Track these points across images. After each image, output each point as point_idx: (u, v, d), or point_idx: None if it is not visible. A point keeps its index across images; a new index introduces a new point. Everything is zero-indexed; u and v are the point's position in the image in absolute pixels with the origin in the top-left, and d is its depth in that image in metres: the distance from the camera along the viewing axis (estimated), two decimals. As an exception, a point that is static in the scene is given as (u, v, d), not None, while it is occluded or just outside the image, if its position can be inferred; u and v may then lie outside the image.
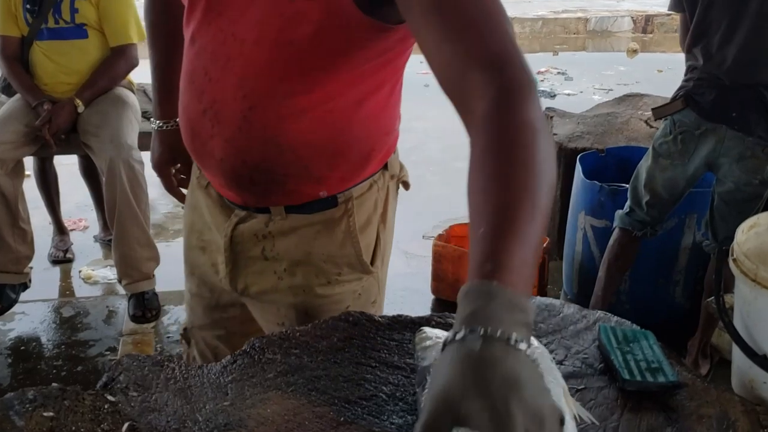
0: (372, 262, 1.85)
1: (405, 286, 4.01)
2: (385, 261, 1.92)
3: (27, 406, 1.32)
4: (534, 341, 1.43)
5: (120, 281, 3.40)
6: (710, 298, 2.07)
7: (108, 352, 3.26)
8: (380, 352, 1.58)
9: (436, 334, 1.48)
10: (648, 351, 1.58)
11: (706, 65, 2.72)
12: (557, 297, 3.87)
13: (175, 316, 3.52)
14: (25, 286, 3.45)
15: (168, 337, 3.40)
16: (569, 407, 1.26)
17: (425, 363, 1.37)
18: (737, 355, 1.57)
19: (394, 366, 1.53)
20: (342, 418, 1.36)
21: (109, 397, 1.37)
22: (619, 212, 3.07)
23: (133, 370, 1.46)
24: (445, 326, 1.65)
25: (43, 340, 3.32)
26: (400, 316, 1.71)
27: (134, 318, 3.37)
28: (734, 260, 1.50)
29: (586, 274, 3.66)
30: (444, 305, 3.85)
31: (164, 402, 1.38)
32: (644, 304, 3.40)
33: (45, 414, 1.29)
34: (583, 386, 1.48)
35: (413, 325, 1.66)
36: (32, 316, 3.48)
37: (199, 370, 1.51)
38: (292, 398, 1.41)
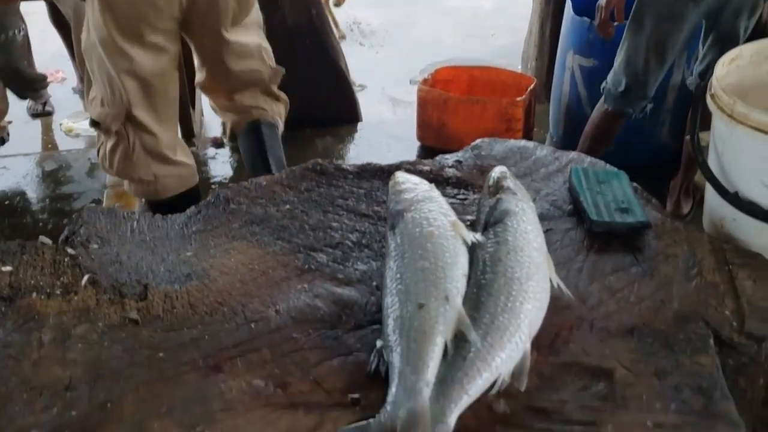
0: None
1: (391, 134, 3.95)
2: None
3: (-15, 261, 1.31)
4: (521, 194, 1.40)
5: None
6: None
7: (93, 205, 3.25)
8: (348, 200, 1.56)
9: (410, 179, 1.45)
10: (619, 191, 1.55)
11: None
12: (543, 140, 3.82)
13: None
14: (2, 141, 3.40)
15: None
16: (550, 271, 1.25)
17: (399, 207, 1.35)
18: (710, 193, 1.55)
19: (361, 214, 1.51)
20: (306, 266, 1.35)
21: (69, 251, 1.35)
22: (610, 92, 2.76)
23: (93, 223, 1.44)
24: (416, 173, 1.62)
25: (28, 194, 3.30)
26: (369, 163, 1.68)
27: (116, 170, 3.34)
28: (712, 95, 1.44)
29: (573, 116, 3.59)
30: (429, 152, 3.80)
31: (126, 254, 1.37)
32: (630, 145, 3.35)
33: (3, 269, 1.28)
34: (549, 228, 1.46)
35: (382, 172, 1.63)
36: (14, 171, 3.44)
37: (163, 222, 1.49)
38: (256, 248, 1.40)
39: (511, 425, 1.04)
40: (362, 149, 3.74)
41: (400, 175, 1.45)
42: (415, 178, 1.44)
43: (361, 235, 1.45)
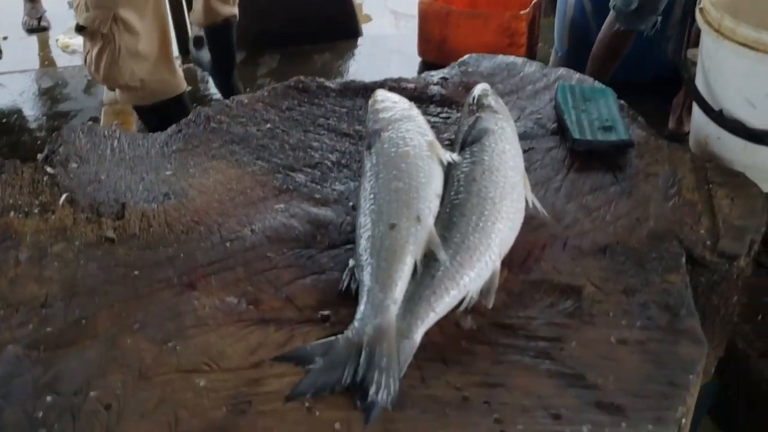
0: None
1: (392, 49, 3.88)
2: None
3: (-36, 181, 1.32)
4: (502, 112, 1.38)
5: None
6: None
7: (90, 122, 3.25)
8: (329, 119, 1.55)
9: (389, 98, 1.43)
10: (604, 109, 1.53)
11: None
12: (547, 55, 3.74)
13: (156, 85, 3.46)
14: (-3, 57, 3.38)
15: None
16: (526, 190, 1.24)
17: (376, 126, 1.34)
18: (696, 112, 1.52)
19: (342, 133, 1.50)
20: (284, 186, 1.35)
21: (49, 170, 1.36)
22: (621, 10, 2.64)
23: (73, 141, 1.45)
24: (400, 91, 1.60)
25: (24, 112, 3.30)
26: (352, 81, 1.66)
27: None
28: (701, 9, 1.40)
29: (578, 30, 3.51)
30: (430, 67, 3.75)
31: (105, 173, 1.38)
32: (635, 61, 3.28)
33: (-18, 188, 1.29)
34: (530, 147, 1.45)
35: (365, 90, 1.61)
36: (11, 88, 3.43)
37: (144, 140, 1.49)
38: (235, 167, 1.40)
39: (476, 340, 1.06)
40: (362, 65, 3.69)
41: (380, 93, 1.44)
42: (395, 97, 1.43)
43: (341, 155, 1.44)
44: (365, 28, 3.96)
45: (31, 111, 3.35)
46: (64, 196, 1.29)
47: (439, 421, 0.94)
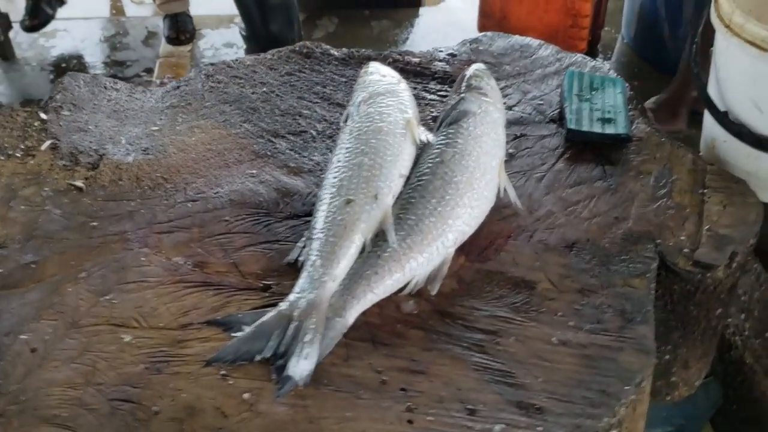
0: None
1: (452, 22, 3.81)
2: None
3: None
4: (492, 95, 1.33)
5: (154, 1, 3.37)
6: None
7: (144, 73, 3.32)
8: (326, 87, 1.53)
9: (379, 71, 1.40)
10: (610, 100, 1.46)
11: None
12: (613, 41, 3.60)
13: (212, 41, 3.50)
14: (61, 2, 3.46)
15: (203, 61, 3.41)
16: (501, 178, 1.20)
17: (357, 99, 1.31)
18: (707, 112, 1.44)
19: (336, 103, 1.48)
20: (263, 151, 1.35)
21: (42, 115, 1.39)
22: None
23: (72, 89, 1.48)
24: (404, 64, 1.57)
25: (84, 58, 3.40)
26: (357, 50, 1.63)
27: (169, 40, 3.37)
28: (715, 2, 1.31)
29: (646, 17, 3.35)
30: (487, 43, 3.66)
31: (94, 123, 1.40)
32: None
33: (-29, 128, 1.33)
34: (522, 133, 1.40)
35: (369, 60, 1.57)
36: (74, 34, 3.53)
37: (142, 94, 1.51)
38: (220, 128, 1.41)
39: (412, 325, 1.04)
40: (417, 36, 3.64)
41: (372, 66, 1.41)
42: (385, 70, 1.40)
43: (328, 125, 1.43)
44: (434, -1, 3.91)
45: (91, 58, 3.44)
46: (48, 142, 1.32)
47: (348, 401, 0.93)
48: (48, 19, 3.37)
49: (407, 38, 3.64)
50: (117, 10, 3.97)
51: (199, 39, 3.53)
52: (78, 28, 3.59)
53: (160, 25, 3.54)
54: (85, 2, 3.80)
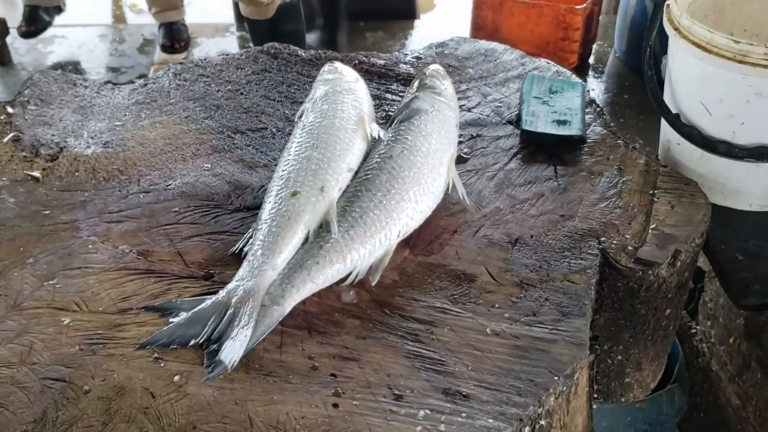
0: None
1: (446, 34, 3.84)
2: None
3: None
4: (445, 95, 1.35)
5: (149, 9, 3.43)
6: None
7: (138, 80, 3.37)
8: (291, 87, 1.56)
9: (337, 69, 1.43)
10: (568, 103, 1.48)
11: None
12: (606, 54, 3.63)
13: (207, 49, 3.55)
14: (59, 10, 3.53)
15: (198, 69, 3.47)
16: (451, 175, 1.22)
17: (314, 96, 1.34)
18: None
19: (300, 103, 1.50)
20: (221, 146, 1.38)
21: (9, 109, 1.43)
22: None
23: (41, 85, 1.51)
24: (369, 66, 1.59)
25: (81, 65, 3.46)
26: (325, 52, 1.66)
27: (163, 48, 3.42)
28: (667, 5, 1.33)
29: (637, 31, 3.38)
30: (479, 55, 3.69)
31: (59, 117, 1.43)
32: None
33: (-64, 120, 1.37)
34: (477, 134, 1.42)
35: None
36: (71, 41, 3.59)
37: (111, 90, 1.54)
38: (182, 124, 1.44)
39: (350, 314, 1.05)
40: (410, 47, 3.67)
41: (331, 65, 1.44)
42: (344, 69, 1.42)
43: (288, 123, 1.45)
44: (428, 12, 3.94)
45: (87, 64, 3.50)
46: (11, 135, 1.35)
47: (277, 385, 0.95)
48: (45, 26, 3.43)
49: (400, 49, 3.68)
50: (117, 18, 4.04)
51: (194, 47, 3.58)
52: (76, 35, 3.65)
53: (156, 33, 3.59)
54: (86, 9, 3.87)
